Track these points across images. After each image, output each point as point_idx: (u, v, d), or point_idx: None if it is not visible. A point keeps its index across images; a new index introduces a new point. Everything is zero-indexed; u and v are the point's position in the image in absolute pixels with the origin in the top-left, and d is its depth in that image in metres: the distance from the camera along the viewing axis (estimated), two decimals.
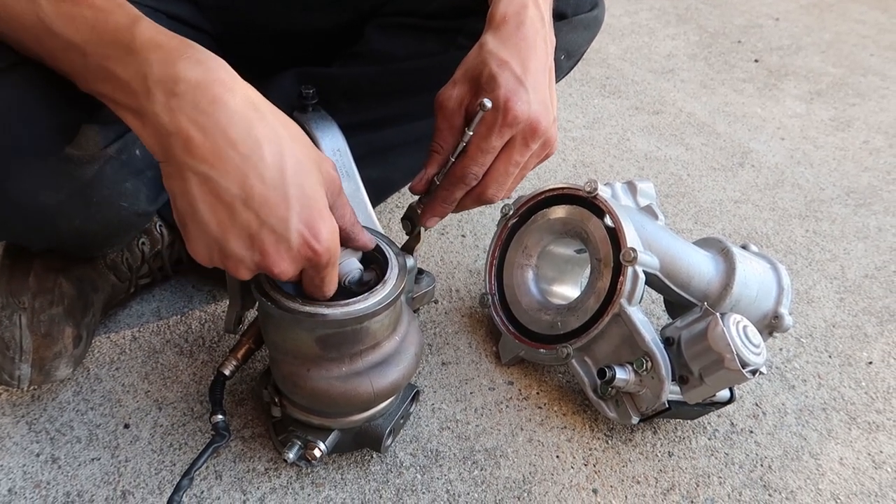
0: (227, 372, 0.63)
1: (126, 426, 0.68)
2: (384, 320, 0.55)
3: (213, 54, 0.45)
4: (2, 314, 0.66)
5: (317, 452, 0.61)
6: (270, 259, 0.46)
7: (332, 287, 0.52)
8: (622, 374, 0.68)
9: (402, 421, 0.66)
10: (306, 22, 0.81)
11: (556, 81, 0.89)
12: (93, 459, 0.65)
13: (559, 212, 0.78)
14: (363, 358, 0.56)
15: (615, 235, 0.72)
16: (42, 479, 0.63)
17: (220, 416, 0.60)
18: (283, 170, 0.43)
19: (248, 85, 0.45)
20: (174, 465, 0.65)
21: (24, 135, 0.52)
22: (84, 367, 0.73)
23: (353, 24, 0.82)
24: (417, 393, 0.68)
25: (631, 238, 0.71)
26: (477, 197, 0.61)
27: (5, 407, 0.69)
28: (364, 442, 0.65)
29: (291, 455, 0.61)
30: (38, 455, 0.65)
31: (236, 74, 0.45)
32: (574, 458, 0.70)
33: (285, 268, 0.47)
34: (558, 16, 0.78)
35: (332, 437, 0.62)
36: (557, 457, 0.70)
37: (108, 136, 0.58)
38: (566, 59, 0.82)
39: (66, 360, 0.68)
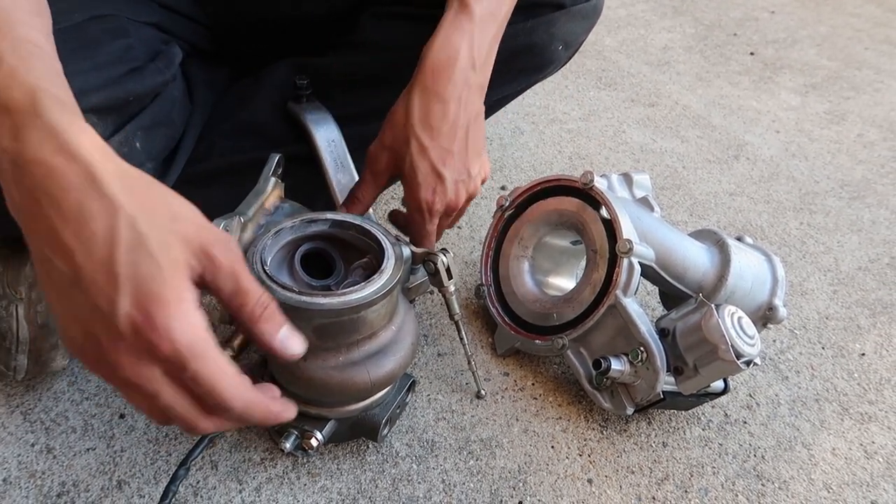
0: None
1: (121, 416, 0.68)
2: (381, 310, 0.55)
3: (72, 108, 0.39)
4: None
5: (313, 442, 0.61)
6: (109, 354, 0.37)
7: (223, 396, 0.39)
8: (617, 365, 0.68)
9: (398, 410, 0.67)
10: (299, 11, 0.80)
11: (554, 72, 0.89)
12: (88, 449, 0.65)
13: (555, 203, 0.78)
14: (360, 347, 0.56)
15: (611, 227, 0.73)
16: (37, 469, 0.63)
17: None
18: (113, 245, 0.36)
19: (101, 147, 0.38)
20: (169, 454, 0.65)
21: None
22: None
23: (346, 14, 0.82)
24: (414, 383, 0.68)
25: (627, 229, 0.72)
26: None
27: (0, 397, 0.69)
28: (361, 432, 0.65)
29: (288, 445, 0.61)
30: (33, 445, 0.65)
31: (87, 134, 0.38)
32: (569, 448, 0.70)
33: (129, 367, 0.37)
34: (556, 6, 0.78)
35: (328, 427, 0.62)
36: (552, 447, 0.70)
37: (107, 127, 0.57)
38: (563, 50, 0.82)
39: (63, 351, 0.68)
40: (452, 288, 0.64)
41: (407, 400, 0.69)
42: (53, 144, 0.37)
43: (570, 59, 0.87)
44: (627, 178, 0.81)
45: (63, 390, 0.70)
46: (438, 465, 0.67)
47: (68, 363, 0.70)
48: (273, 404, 0.43)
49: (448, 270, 0.62)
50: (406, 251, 0.59)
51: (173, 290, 0.36)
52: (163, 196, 0.40)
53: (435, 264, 0.62)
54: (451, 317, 0.68)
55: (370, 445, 0.68)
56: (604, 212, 0.74)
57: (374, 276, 0.54)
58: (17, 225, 0.66)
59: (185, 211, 0.40)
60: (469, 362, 0.71)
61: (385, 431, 0.65)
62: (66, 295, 0.37)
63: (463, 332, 0.70)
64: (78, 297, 0.37)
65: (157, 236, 0.37)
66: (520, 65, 0.81)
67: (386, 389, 0.63)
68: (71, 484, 0.62)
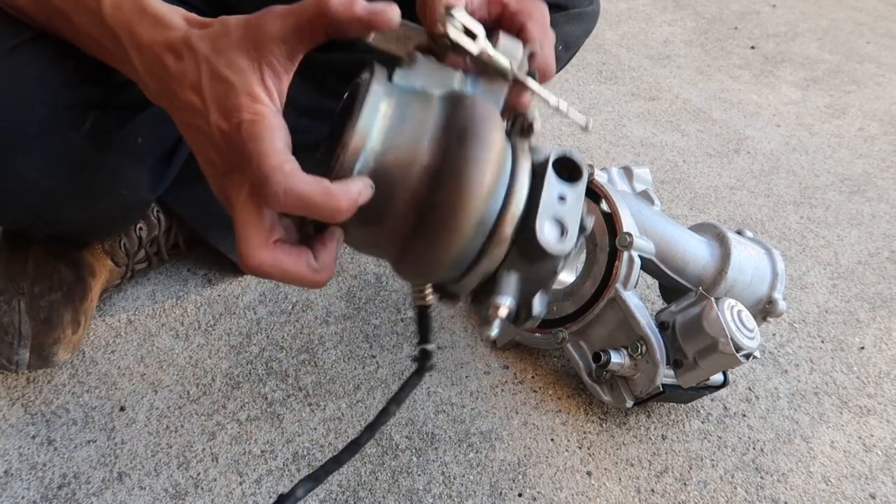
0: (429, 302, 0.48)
1: (122, 409, 0.69)
2: None
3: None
4: (1, 299, 0.66)
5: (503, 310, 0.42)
6: (218, 173, 0.41)
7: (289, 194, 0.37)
8: (617, 359, 0.68)
9: None
10: None
11: (555, 73, 0.89)
12: (89, 441, 0.65)
13: None
14: None
15: (611, 220, 0.73)
16: (38, 461, 0.64)
17: (428, 345, 0.48)
18: (200, 85, 0.40)
19: (192, 20, 0.43)
20: (170, 447, 0.66)
21: (32, 114, 0.52)
22: (80, 349, 0.73)
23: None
24: None
25: (627, 223, 0.72)
26: None
27: (0, 390, 0.69)
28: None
29: (495, 330, 0.42)
30: (33, 437, 0.65)
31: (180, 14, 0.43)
32: (568, 440, 0.71)
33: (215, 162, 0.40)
34: (557, 6, 0.78)
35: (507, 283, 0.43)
36: (552, 440, 0.71)
37: (111, 123, 0.57)
38: (564, 51, 0.83)
39: (65, 345, 0.68)
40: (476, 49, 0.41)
41: None
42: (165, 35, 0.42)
43: (569, 60, 0.88)
44: (628, 172, 0.81)
45: (64, 382, 0.70)
46: (438, 457, 0.67)
47: (70, 357, 0.70)
48: (332, 189, 0.37)
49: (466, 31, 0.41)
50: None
51: (242, 96, 0.39)
52: (226, 33, 0.42)
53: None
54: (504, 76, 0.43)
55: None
56: (604, 205, 0.74)
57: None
58: (19, 219, 0.66)
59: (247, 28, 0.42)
60: (557, 108, 0.45)
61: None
62: (198, 141, 0.41)
63: (533, 84, 0.44)
64: (202, 137, 0.41)
65: (225, 62, 0.40)
66: None
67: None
68: (72, 476, 0.63)
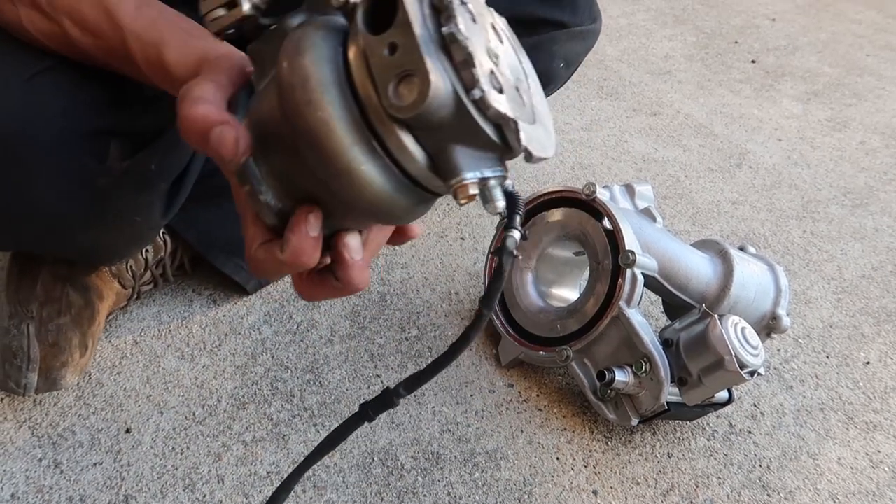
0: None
1: (128, 431, 0.69)
2: None
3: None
4: (10, 323, 0.66)
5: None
6: None
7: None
8: (621, 377, 0.68)
9: None
10: None
11: (556, 89, 0.90)
12: (95, 464, 0.66)
13: (558, 214, 0.79)
14: None
15: (614, 238, 0.73)
16: (44, 484, 0.64)
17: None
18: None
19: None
20: (176, 469, 0.66)
21: (51, 141, 0.52)
22: (86, 371, 0.74)
23: None
24: None
25: (629, 241, 0.72)
26: None
27: (7, 412, 0.69)
28: None
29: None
30: (40, 460, 0.66)
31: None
32: (574, 459, 0.71)
33: None
34: (558, 24, 0.79)
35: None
36: (557, 458, 0.70)
37: (126, 149, 0.58)
38: (564, 68, 0.84)
39: (72, 369, 0.68)
40: None
41: None
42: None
43: (569, 77, 0.89)
44: (630, 189, 0.82)
45: (70, 405, 0.71)
46: (444, 477, 0.67)
47: (77, 380, 0.70)
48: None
49: None
50: None
51: (190, 94, 0.37)
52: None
53: None
54: None
55: (375, 459, 0.68)
56: (606, 223, 0.74)
57: None
58: (33, 242, 0.67)
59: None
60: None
61: None
62: None
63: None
64: None
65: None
66: None
67: None
68: (78, 499, 0.63)
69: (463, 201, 0.32)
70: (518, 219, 0.37)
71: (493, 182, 0.33)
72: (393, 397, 0.44)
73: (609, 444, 0.72)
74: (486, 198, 0.33)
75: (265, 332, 0.80)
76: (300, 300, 0.84)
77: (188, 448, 0.68)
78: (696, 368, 0.67)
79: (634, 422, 0.70)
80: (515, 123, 0.31)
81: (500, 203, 0.33)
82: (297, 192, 0.37)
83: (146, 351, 0.77)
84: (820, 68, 1.62)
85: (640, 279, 0.71)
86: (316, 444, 0.68)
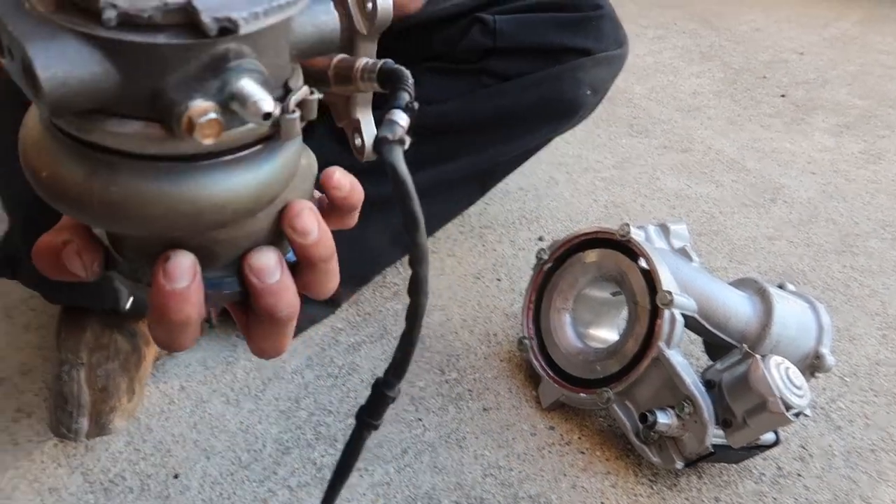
0: None
1: (176, 476, 0.70)
2: None
3: None
4: (61, 369, 0.69)
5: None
6: None
7: None
8: (664, 419, 0.68)
9: None
10: None
11: (584, 117, 0.90)
12: None
13: (593, 255, 0.79)
14: None
15: (650, 278, 0.73)
16: None
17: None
18: None
19: None
20: None
21: None
22: (135, 416, 0.75)
23: None
24: None
25: (666, 280, 0.72)
26: None
27: (60, 458, 0.71)
28: None
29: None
30: None
31: None
32: None
33: None
34: (582, 52, 0.80)
35: None
36: (602, 503, 0.70)
37: None
38: (592, 95, 0.84)
39: (121, 413, 0.70)
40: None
41: None
42: None
43: (598, 104, 0.89)
44: (664, 229, 0.82)
45: (120, 450, 0.72)
46: None
47: (126, 424, 0.72)
48: None
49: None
50: None
51: None
52: None
53: None
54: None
55: (419, 502, 0.68)
56: (643, 263, 0.75)
57: None
58: (76, 294, 0.69)
59: None
60: None
61: None
62: None
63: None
64: None
65: None
66: (549, 111, 0.83)
67: None
68: None
69: (206, 139, 0.22)
70: (406, 95, 0.29)
71: (234, 82, 0.22)
72: (386, 392, 0.35)
73: (654, 487, 0.72)
74: (241, 106, 0.22)
75: (307, 376, 0.81)
76: (341, 343, 0.86)
77: (235, 493, 0.69)
78: (741, 410, 0.67)
79: (679, 465, 0.69)
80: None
81: (266, 104, 0.22)
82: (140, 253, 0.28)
83: (192, 396, 0.78)
84: (850, 101, 1.61)
85: (680, 319, 0.71)
86: (358, 489, 0.68)
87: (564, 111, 0.83)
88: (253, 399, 0.78)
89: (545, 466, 0.73)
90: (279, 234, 0.29)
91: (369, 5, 0.29)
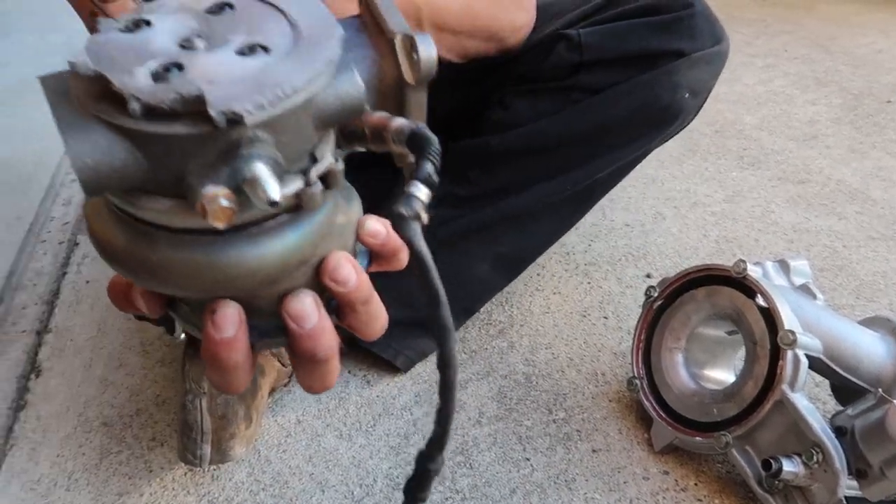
0: None
1: None
2: None
3: None
4: (186, 399, 0.73)
5: None
6: None
7: None
8: (790, 467, 0.64)
9: None
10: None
11: (685, 123, 0.86)
12: None
13: (707, 293, 0.77)
14: None
15: (770, 317, 0.70)
16: None
17: None
18: None
19: None
20: None
21: None
22: (255, 448, 0.79)
23: (469, 106, 0.86)
24: None
25: (788, 319, 0.69)
26: None
27: (189, 486, 0.76)
28: None
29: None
30: None
31: None
32: None
33: None
34: (676, 54, 0.76)
35: None
36: None
37: None
38: (692, 98, 0.80)
39: (240, 440, 0.74)
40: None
41: None
42: None
43: (699, 107, 0.84)
44: (784, 265, 0.78)
45: (242, 480, 0.76)
46: None
47: (245, 452, 0.76)
48: None
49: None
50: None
51: None
52: None
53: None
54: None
55: None
56: (760, 300, 0.71)
57: None
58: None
59: None
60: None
61: None
62: None
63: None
64: None
65: None
66: (647, 119, 0.80)
67: None
68: None
69: (217, 223, 0.24)
70: (430, 166, 0.27)
71: (246, 165, 0.24)
72: (429, 466, 0.35)
73: None
74: (251, 191, 0.24)
75: (416, 412, 0.83)
76: None
77: None
78: (877, 460, 0.62)
79: None
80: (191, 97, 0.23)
81: (274, 196, 0.24)
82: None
83: (308, 430, 0.82)
84: None
85: (804, 361, 0.67)
86: None
87: (663, 117, 0.80)
88: (364, 434, 0.81)
89: None
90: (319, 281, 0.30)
91: (415, 55, 0.30)
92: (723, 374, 0.80)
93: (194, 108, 0.24)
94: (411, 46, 0.30)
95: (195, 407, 0.74)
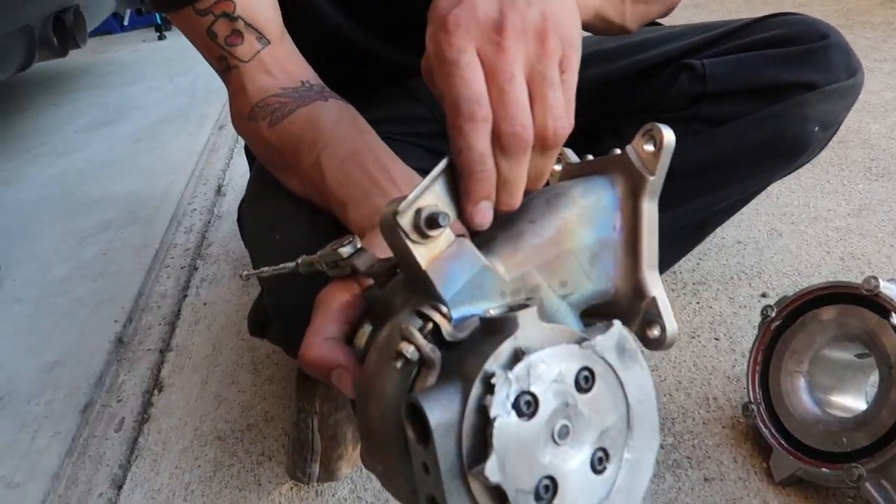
0: None
1: None
2: None
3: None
4: (298, 418, 0.76)
5: None
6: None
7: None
8: None
9: None
10: None
11: (813, 155, 0.81)
12: None
13: (832, 312, 0.71)
14: None
15: None
16: None
17: None
18: None
19: None
20: None
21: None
22: (358, 465, 0.80)
23: (585, 133, 0.85)
24: None
25: None
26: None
27: (295, 500, 0.78)
28: None
29: None
30: None
31: None
32: None
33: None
34: (807, 86, 0.73)
35: None
36: None
37: None
38: (821, 131, 0.76)
39: (347, 460, 0.75)
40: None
41: None
42: None
43: (829, 140, 0.80)
44: None
45: (345, 497, 0.77)
46: None
47: (350, 472, 0.77)
48: None
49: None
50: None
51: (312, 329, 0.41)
52: None
53: None
54: None
55: None
56: (895, 320, 0.65)
57: None
58: None
59: None
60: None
61: None
62: None
63: None
64: None
65: None
66: (773, 152, 0.77)
67: None
68: None
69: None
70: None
71: None
72: None
73: None
74: None
75: None
76: None
77: None
78: None
79: None
80: None
81: None
82: None
83: None
84: None
85: None
86: None
87: (789, 150, 0.76)
88: None
89: None
90: None
91: (657, 331, 0.38)
92: (852, 401, 0.73)
93: None
94: (654, 322, 0.37)
95: (307, 426, 0.76)
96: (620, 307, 0.39)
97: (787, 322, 0.75)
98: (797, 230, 1.12)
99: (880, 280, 0.67)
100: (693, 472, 0.74)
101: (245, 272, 0.54)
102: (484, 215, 0.36)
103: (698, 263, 1.07)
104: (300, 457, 0.75)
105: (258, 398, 0.94)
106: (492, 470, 0.28)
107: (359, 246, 0.41)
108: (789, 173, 0.84)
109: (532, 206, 0.39)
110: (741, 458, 0.74)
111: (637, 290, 0.39)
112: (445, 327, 0.32)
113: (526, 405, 0.29)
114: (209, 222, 1.48)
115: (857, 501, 0.68)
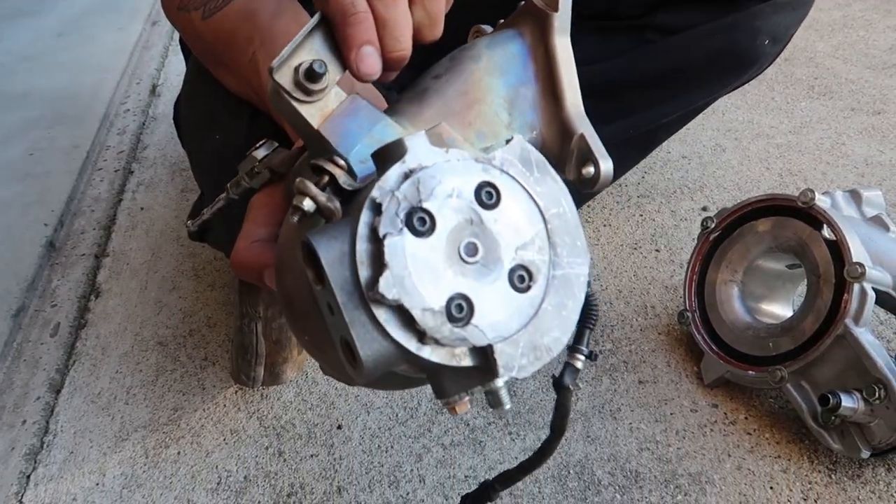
0: None
1: (339, 427, 0.74)
2: None
3: None
4: (242, 322, 0.75)
5: None
6: None
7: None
8: (849, 402, 0.61)
9: None
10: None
11: (761, 70, 0.82)
12: (312, 455, 0.72)
13: (768, 224, 0.73)
14: None
15: (837, 249, 0.66)
16: (271, 470, 0.71)
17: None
18: None
19: None
20: (381, 466, 0.70)
21: None
22: (303, 371, 0.81)
23: None
24: None
25: (857, 252, 0.65)
26: None
27: (240, 403, 0.78)
28: None
29: None
30: (267, 448, 0.73)
31: None
32: (791, 491, 0.65)
33: None
34: None
35: None
36: (771, 488, 0.65)
37: None
38: (771, 45, 0.76)
39: (292, 364, 0.76)
40: None
41: None
42: None
43: (777, 55, 0.80)
44: (855, 196, 0.74)
45: (291, 400, 0.78)
46: (643, 497, 0.65)
47: (295, 375, 0.78)
48: None
49: None
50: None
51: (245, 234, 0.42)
52: None
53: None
54: None
55: (571, 472, 0.67)
56: (827, 232, 0.67)
57: None
58: None
59: None
60: None
61: None
62: None
63: None
64: None
65: None
66: (723, 64, 0.77)
67: None
68: (298, 486, 0.69)
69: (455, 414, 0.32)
70: (587, 336, 0.35)
71: (494, 387, 0.29)
72: (490, 493, 0.48)
73: (833, 476, 0.65)
74: (491, 403, 0.30)
75: None
76: None
77: (392, 447, 0.72)
78: None
79: (865, 454, 0.62)
80: (491, 351, 0.28)
81: (507, 406, 0.30)
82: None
83: None
84: None
85: (871, 295, 0.64)
86: (510, 452, 0.69)
87: (738, 64, 0.76)
88: None
89: (707, 445, 0.69)
90: None
91: (587, 171, 0.36)
92: (780, 309, 0.77)
93: (482, 362, 0.28)
94: (586, 160, 0.36)
95: (251, 331, 0.75)
96: (553, 155, 0.37)
97: (725, 233, 0.77)
98: (740, 146, 1.14)
99: (815, 193, 0.69)
100: (629, 376, 0.77)
101: (188, 222, 0.56)
102: (368, 62, 0.33)
103: (643, 177, 1.08)
104: (244, 361, 0.75)
105: (200, 304, 0.92)
106: (386, 285, 0.26)
107: (275, 146, 0.40)
108: (736, 88, 0.85)
109: (437, 66, 0.38)
110: (674, 362, 0.78)
111: (564, 131, 0.37)
112: (341, 177, 0.31)
113: (419, 221, 0.27)
114: (144, 124, 1.41)
115: (778, 401, 0.73)
